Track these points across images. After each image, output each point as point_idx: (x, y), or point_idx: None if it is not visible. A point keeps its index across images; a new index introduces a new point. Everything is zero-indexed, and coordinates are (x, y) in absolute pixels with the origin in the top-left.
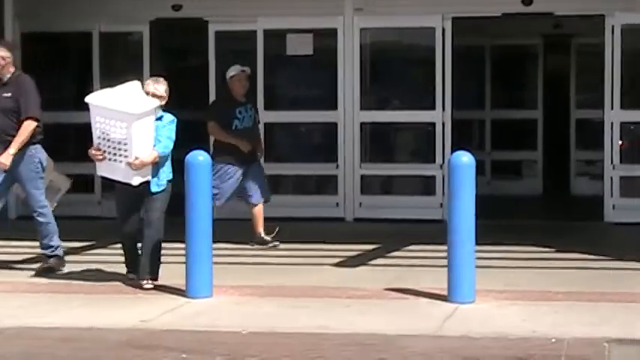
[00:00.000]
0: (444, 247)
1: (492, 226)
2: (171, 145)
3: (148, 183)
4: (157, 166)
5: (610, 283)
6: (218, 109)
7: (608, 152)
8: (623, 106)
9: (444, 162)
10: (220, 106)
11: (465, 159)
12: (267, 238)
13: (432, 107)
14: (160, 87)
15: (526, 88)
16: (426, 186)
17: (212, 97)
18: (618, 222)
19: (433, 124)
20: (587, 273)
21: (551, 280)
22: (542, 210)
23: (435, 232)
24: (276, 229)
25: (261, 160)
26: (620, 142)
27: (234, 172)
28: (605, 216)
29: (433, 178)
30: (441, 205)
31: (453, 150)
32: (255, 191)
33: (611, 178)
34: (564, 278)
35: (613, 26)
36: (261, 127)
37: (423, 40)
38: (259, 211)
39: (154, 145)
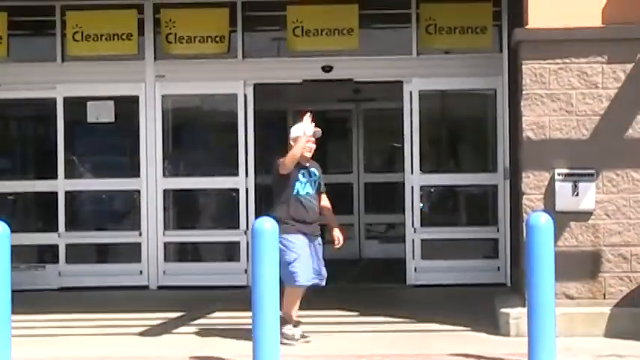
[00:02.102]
0: (249, 314)
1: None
2: None
3: None
4: None
5: (410, 345)
6: None
7: (409, 215)
8: (422, 170)
9: (247, 228)
10: None
11: (268, 225)
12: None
13: (236, 173)
14: None
15: (332, 152)
16: (230, 252)
17: None
18: (420, 284)
19: (237, 190)
20: (390, 335)
21: (354, 343)
22: (346, 273)
23: (240, 298)
24: None
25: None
26: (420, 205)
27: None
28: (407, 278)
29: (237, 243)
30: (246, 270)
31: (257, 215)
32: None
33: (413, 241)
34: (367, 341)
35: (411, 92)
36: (61, 196)
37: (226, 106)
38: None
39: None
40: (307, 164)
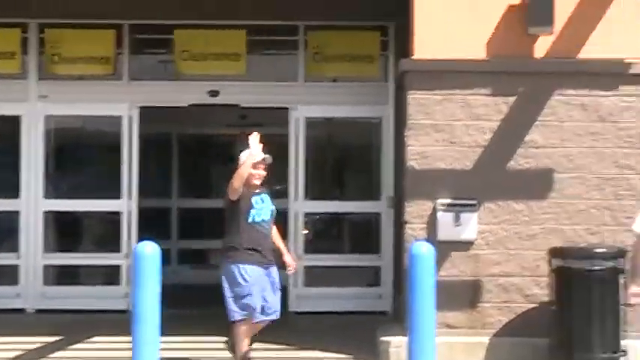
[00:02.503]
0: (129, 338)
1: (179, 316)
2: None
3: None
4: None
5: None
6: None
7: (293, 242)
8: (307, 197)
9: (129, 251)
10: None
11: (150, 249)
12: None
13: (118, 196)
14: None
15: (216, 177)
16: (110, 275)
17: None
18: (302, 311)
19: (119, 213)
20: None
21: None
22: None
23: (120, 322)
24: None
25: None
26: (304, 232)
27: None
28: (290, 305)
29: (118, 267)
30: (126, 294)
31: (139, 239)
32: None
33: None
34: None
35: (297, 119)
36: None
37: (110, 128)
38: None
39: None
40: (258, 191)
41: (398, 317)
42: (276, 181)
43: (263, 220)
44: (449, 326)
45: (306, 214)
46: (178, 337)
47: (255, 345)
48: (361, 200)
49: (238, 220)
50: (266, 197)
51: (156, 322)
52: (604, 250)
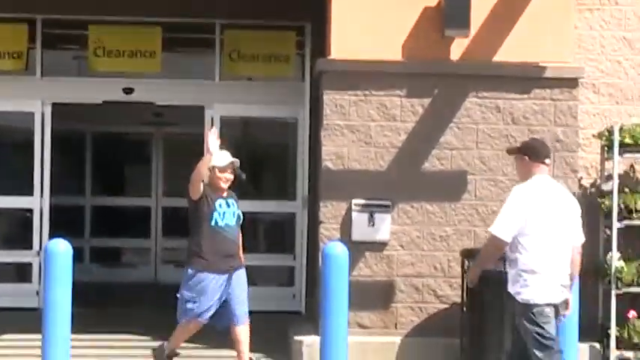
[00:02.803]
0: (40, 336)
1: (91, 314)
2: None
3: None
4: None
5: None
6: None
7: None
8: None
9: (41, 249)
10: None
11: (62, 246)
12: None
13: (30, 193)
14: None
15: (131, 175)
16: (22, 273)
17: None
18: None
19: (31, 210)
20: None
21: None
22: (143, 298)
23: (31, 320)
24: None
25: None
26: None
27: None
28: None
29: (30, 265)
30: (37, 292)
31: (51, 236)
32: None
33: None
34: None
35: (212, 117)
36: None
37: (23, 125)
38: None
39: None
40: (225, 194)
41: (311, 317)
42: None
43: (227, 225)
44: (361, 326)
45: None
46: (90, 335)
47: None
48: (276, 200)
49: (200, 224)
50: (232, 202)
51: (67, 320)
52: None
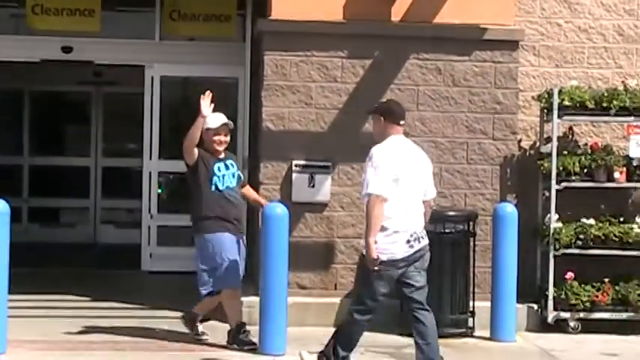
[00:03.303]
0: None
1: (29, 275)
2: None
3: None
4: None
5: (142, 331)
6: None
7: (146, 202)
8: (161, 156)
9: None
10: None
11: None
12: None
13: None
14: None
15: (70, 135)
16: None
17: None
18: (155, 270)
19: None
20: (121, 321)
21: (87, 329)
22: (82, 258)
23: None
24: None
25: None
26: (158, 191)
27: None
28: (143, 264)
29: None
30: None
31: None
32: None
33: (149, 227)
34: (100, 327)
35: (152, 77)
36: None
37: None
38: None
39: None
40: (222, 156)
41: (251, 278)
42: (130, 140)
43: (228, 188)
44: (301, 287)
45: (160, 174)
46: (27, 295)
47: (107, 304)
48: None
49: (200, 189)
50: (231, 162)
51: (5, 280)
52: (456, 213)
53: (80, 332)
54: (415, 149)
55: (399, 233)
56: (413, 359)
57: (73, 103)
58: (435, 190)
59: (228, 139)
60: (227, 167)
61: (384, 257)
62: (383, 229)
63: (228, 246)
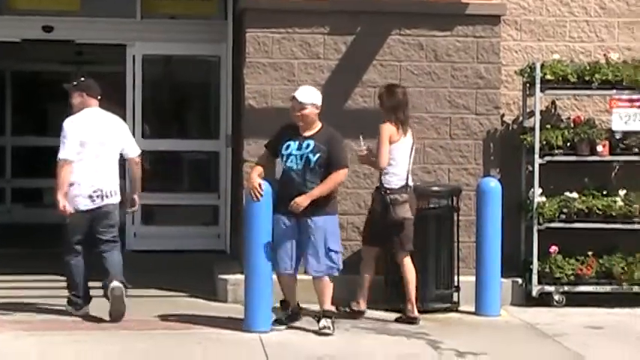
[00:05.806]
0: None
1: (12, 255)
2: None
3: None
4: None
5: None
6: None
7: (129, 181)
8: (143, 136)
9: None
10: None
11: None
12: None
13: None
14: None
15: (52, 114)
16: None
17: None
18: (139, 249)
19: None
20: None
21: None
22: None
23: None
24: None
25: None
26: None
27: None
28: (127, 244)
29: None
30: None
31: None
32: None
33: None
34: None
35: (134, 56)
36: None
37: None
38: None
39: None
40: (306, 134)
41: (235, 256)
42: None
43: (290, 168)
44: None
45: (144, 153)
46: (10, 275)
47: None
48: (199, 139)
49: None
50: (307, 144)
51: None
52: (440, 188)
53: (68, 313)
54: (109, 117)
55: (82, 187)
56: (399, 334)
57: (55, 83)
58: (137, 148)
59: (299, 114)
60: (298, 148)
61: (70, 209)
62: (71, 184)
63: (280, 227)
